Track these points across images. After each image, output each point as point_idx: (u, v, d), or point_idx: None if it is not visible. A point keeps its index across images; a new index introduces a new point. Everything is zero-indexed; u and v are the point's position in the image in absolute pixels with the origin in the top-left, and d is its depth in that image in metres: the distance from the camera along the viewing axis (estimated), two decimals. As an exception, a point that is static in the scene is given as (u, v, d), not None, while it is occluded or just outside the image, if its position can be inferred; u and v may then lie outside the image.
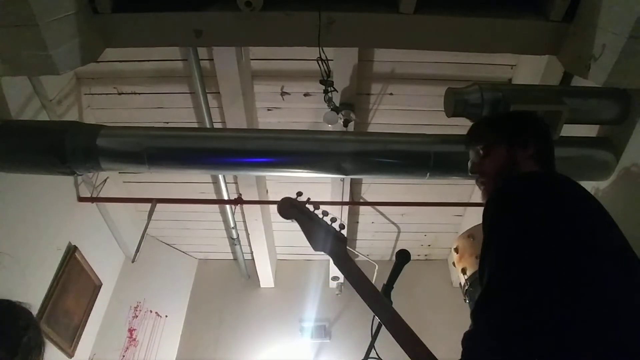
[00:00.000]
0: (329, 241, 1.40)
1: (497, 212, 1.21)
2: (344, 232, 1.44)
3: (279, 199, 1.46)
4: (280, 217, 1.45)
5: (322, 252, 1.42)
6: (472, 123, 1.88)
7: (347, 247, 1.43)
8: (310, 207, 1.44)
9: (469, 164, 1.47)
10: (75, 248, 3.02)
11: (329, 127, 2.78)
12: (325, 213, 1.43)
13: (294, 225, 1.48)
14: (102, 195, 3.18)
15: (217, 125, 3.08)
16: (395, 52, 2.76)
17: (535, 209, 1.15)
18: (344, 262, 1.39)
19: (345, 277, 1.38)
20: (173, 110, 3.10)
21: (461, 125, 2.72)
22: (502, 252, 1.12)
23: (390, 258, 4.28)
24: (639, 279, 1.11)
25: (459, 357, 1.06)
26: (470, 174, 1.46)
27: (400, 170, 2.04)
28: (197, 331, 4.09)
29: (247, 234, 3.93)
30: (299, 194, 1.45)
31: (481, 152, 1.42)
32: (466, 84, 1.88)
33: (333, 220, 1.44)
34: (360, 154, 2.00)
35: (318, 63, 2.16)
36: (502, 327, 1.03)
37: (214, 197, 3.71)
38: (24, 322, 1.14)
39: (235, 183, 3.50)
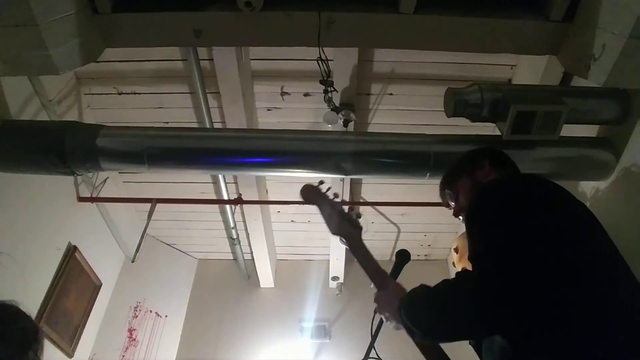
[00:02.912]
0: (345, 226, 1.48)
1: (477, 210, 1.27)
2: (361, 221, 1.51)
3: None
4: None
5: (339, 236, 1.50)
6: (472, 123, 1.90)
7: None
8: (330, 195, 1.53)
9: (452, 211, 1.60)
10: (75, 248, 3.02)
11: (329, 127, 2.78)
12: (344, 201, 1.51)
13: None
14: (102, 195, 3.18)
15: (217, 125, 3.08)
16: (395, 52, 2.76)
17: (513, 204, 1.21)
18: (358, 248, 1.47)
19: (359, 262, 1.45)
20: (173, 110, 3.10)
21: (461, 125, 2.73)
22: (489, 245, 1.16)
23: (390, 258, 4.26)
24: (610, 266, 1.17)
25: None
26: (456, 217, 1.59)
27: (400, 170, 2.04)
28: (197, 331, 4.09)
29: (247, 234, 3.93)
30: (321, 182, 1.55)
31: (452, 193, 1.57)
32: (466, 84, 1.88)
33: (351, 209, 1.52)
34: (360, 154, 2.00)
35: (318, 63, 2.16)
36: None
37: (214, 197, 3.71)
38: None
39: (235, 183, 3.50)
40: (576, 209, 1.29)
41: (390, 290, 1.35)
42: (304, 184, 1.55)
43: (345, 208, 1.51)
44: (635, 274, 1.19)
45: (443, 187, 1.63)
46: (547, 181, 1.31)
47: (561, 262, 1.09)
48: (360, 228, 1.49)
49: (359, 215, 1.52)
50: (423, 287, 1.24)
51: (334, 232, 1.49)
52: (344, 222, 1.48)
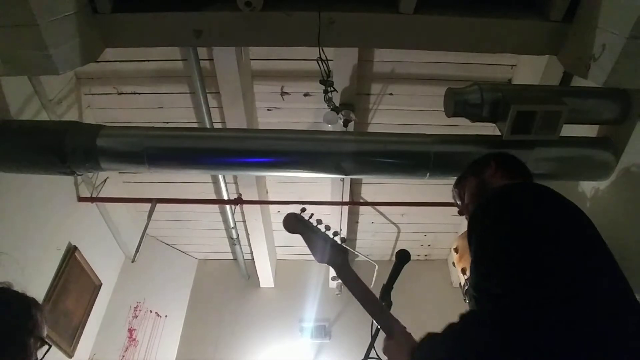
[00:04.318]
0: (331, 253, 1.47)
1: (483, 223, 1.25)
2: (345, 244, 1.50)
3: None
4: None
5: (325, 264, 1.48)
6: (472, 123, 1.90)
7: (347, 247, 1.46)
8: (314, 222, 1.51)
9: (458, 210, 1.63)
10: (75, 248, 3.02)
11: (329, 127, 2.78)
12: (327, 227, 1.50)
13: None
14: (102, 195, 3.18)
15: (217, 125, 3.08)
16: (395, 52, 2.76)
17: (519, 217, 1.20)
18: (345, 274, 1.44)
19: (347, 287, 1.43)
20: (173, 110, 3.10)
21: (461, 125, 2.73)
22: (496, 259, 1.16)
23: (390, 258, 4.28)
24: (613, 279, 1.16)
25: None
26: (460, 215, 1.62)
27: (400, 170, 2.04)
28: (197, 331, 4.09)
29: (247, 234, 3.93)
30: (303, 209, 1.52)
31: (459, 191, 1.60)
32: (466, 84, 1.88)
33: (335, 234, 1.50)
34: (360, 154, 2.00)
35: (318, 63, 2.16)
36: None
37: (214, 197, 3.71)
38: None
39: (235, 183, 3.50)
40: (582, 226, 1.27)
41: (398, 341, 1.31)
42: (287, 213, 1.51)
43: (330, 233, 1.49)
44: (634, 274, 1.19)
45: (454, 187, 1.67)
46: (549, 191, 1.30)
47: (564, 284, 1.08)
48: (346, 252, 1.48)
49: (343, 240, 1.52)
50: (432, 341, 1.20)
51: (320, 261, 1.48)
52: (330, 249, 1.47)
